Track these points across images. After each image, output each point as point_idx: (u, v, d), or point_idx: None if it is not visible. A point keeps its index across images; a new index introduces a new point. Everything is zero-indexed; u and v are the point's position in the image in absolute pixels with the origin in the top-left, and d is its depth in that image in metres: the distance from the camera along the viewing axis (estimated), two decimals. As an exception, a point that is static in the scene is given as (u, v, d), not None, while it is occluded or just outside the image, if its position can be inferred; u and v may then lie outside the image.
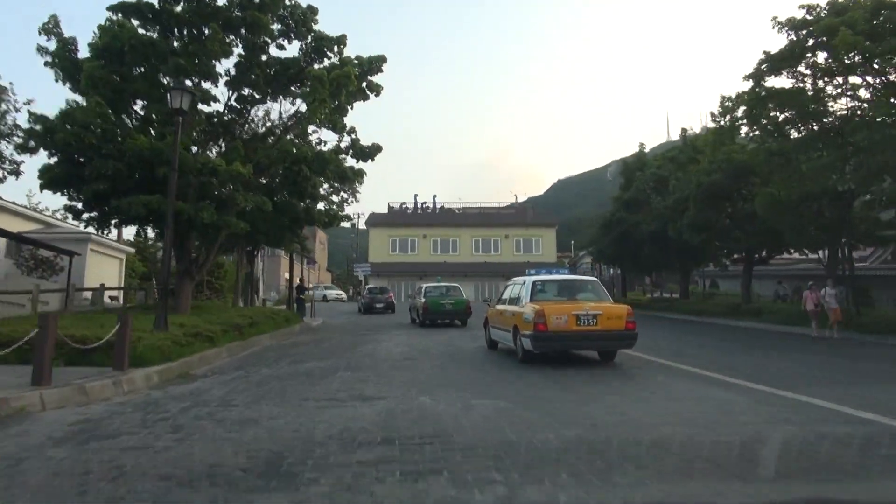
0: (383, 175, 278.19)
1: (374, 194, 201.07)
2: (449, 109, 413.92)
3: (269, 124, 16.13)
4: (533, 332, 9.37)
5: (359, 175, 17.29)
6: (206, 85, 14.84)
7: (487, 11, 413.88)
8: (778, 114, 17.79)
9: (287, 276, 76.72)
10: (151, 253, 34.62)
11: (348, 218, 21.04)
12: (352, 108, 16.19)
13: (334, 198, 20.50)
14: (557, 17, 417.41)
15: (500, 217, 58.76)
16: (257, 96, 15.52)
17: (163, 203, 12.02)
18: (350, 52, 15.88)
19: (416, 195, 59.47)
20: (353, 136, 16.26)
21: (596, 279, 11.99)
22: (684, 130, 27.19)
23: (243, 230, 13.48)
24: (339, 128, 15.25)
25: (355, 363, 10.41)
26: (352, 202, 23.56)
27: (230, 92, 14.84)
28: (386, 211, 60.00)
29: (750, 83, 17.97)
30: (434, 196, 60.17)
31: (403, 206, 59.86)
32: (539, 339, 9.35)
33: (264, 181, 15.78)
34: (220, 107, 15.04)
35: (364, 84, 15.24)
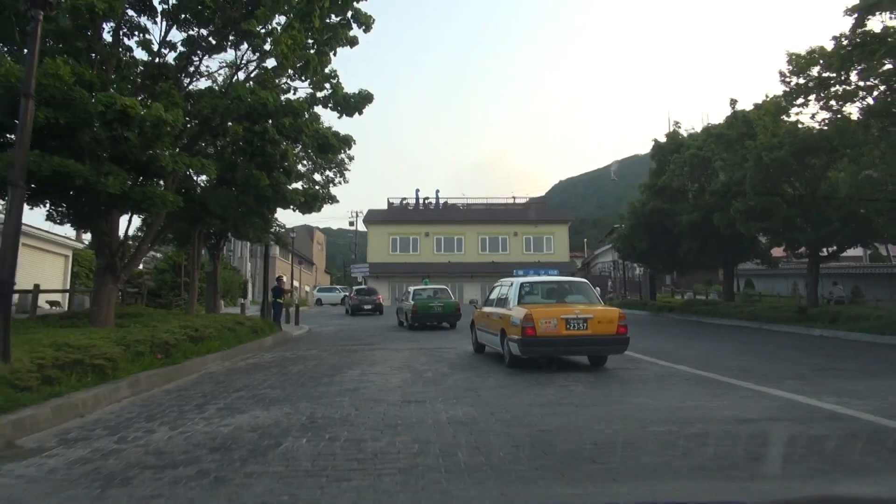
0: (382, 172, 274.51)
1: (372, 190, 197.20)
2: (449, 111, 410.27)
3: (223, 76, 12.15)
4: (521, 336, 9.08)
5: (345, 142, 13.30)
6: (143, 22, 10.99)
7: (487, 11, 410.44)
8: (890, 64, 13.79)
9: (284, 278, 72.94)
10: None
11: (333, 199, 16.68)
12: (334, 55, 12.26)
13: (317, 177, 16.53)
14: (557, 18, 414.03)
15: (508, 213, 54.71)
16: (208, 37, 11.52)
17: (45, 162, 8.05)
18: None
19: (417, 190, 55.64)
20: (335, 80, 12.19)
21: (585, 281, 11.41)
22: (734, 101, 23.07)
23: (172, 206, 9.50)
24: (313, 68, 11.17)
25: (323, 413, 6.38)
26: (339, 181, 19.13)
27: (167, 24, 10.84)
28: (385, 207, 56.00)
29: (849, 22, 13.97)
30: (437, 191, 56.26)
31: (404, 202, 55.88)
32: (527, 343, 9.07)
33: (219, 147, 11.81)
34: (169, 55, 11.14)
35: (350, 14, 11.25)
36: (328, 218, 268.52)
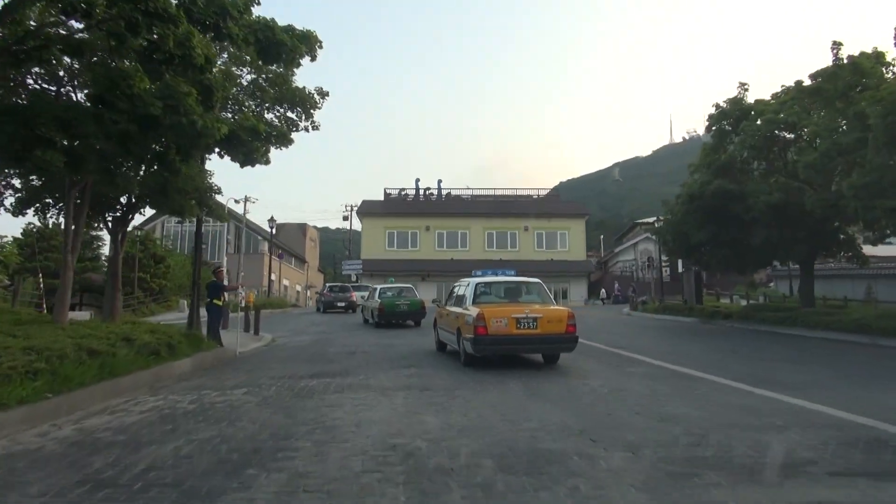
0: (380, 174, 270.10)
1: (371, 193, 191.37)
2: (449, 112, 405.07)
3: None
4: (473, 335, 9.23)
5: (304, 42, 7.94)
6: None
7: (485, 13, 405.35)
8: None
9: (273, 277, 67.52)
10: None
11: (287, 140, 10.82)
12: None
13: (271, 116, 11.10)
14: (556, 19, 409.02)
15: (518, 206, 49.21)
16: None
17: None
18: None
19: (417, 180, 50.12)
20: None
21: (539, 281, 10.99)
22: (837, 45, 17.57)
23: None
24: None
25: None
26: (305, 126, 13.02)
27: None
28: (382, 198, 50.50)
29: None
30: (439, 181, 50.69)
31: (403, 193, 50.40)
32: (479, 342, 9.20)
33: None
34: None
35: None
36: (326, 217, 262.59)
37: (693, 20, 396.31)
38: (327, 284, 37.98)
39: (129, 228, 14.87)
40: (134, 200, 11.08)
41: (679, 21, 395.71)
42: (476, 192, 50.96)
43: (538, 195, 50.80)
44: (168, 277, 29.85)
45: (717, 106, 21.96)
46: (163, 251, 31.59)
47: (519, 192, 51.10)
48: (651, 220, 53.68)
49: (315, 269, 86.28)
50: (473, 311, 9.51)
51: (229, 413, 6.07)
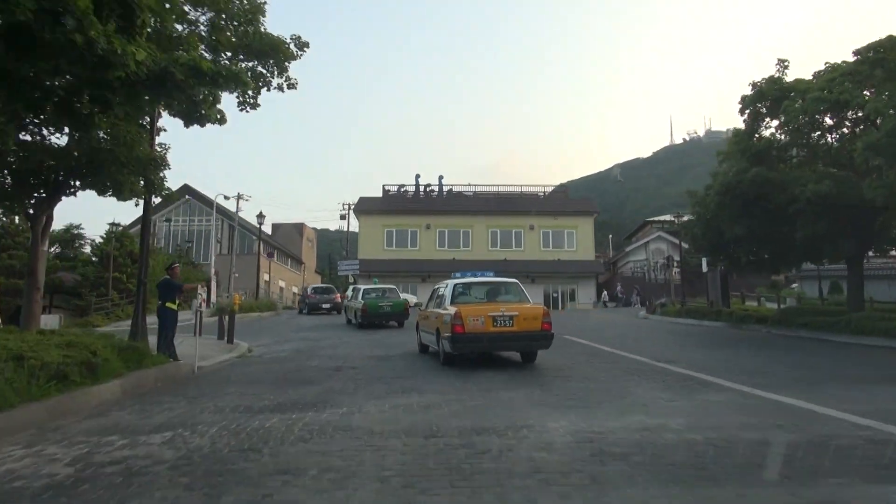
0: (378, 175, 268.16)
1: (369, 185, 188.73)
2: (449, 113, 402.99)
3: None
4: (451, 334, 9.44)
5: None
6: None
7: (486, 14, 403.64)
8: None
9: (267, 278, 65.04)
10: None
11: (244, 84, 8.32)
12: None
13: (236, 67, 8.72)
14: (555, 21, 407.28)
15: (524, 203, 46.85)
16: None
17: None
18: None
19: (417, 176, 47.68)
20: None
21: (516, 281, 11.36)
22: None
23: None
24: None
25: None
26: (279, 83, 10.46)
27: None
28: (380, 195, 48.13)
29: None
30: (440, 177, 48.32)
31: (402, 189, 48.01)
32: (457, 340, 9.44)
33: None
34: None
35: None
36: (324, 218, 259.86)
37: (694, 21, 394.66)
38: (311, 286, 37.26)
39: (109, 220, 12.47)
40: (59, 178, 8.70)
41: (679, 23, 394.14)
42: (479, 189, 48.61)
43: (544, 192, 48.45)
44: (147, 278, 27.47)
45: (754, 85, 19.59)
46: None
47: (524, 189, 48.73)
48: (664, 217, 51.46)
49: (312, 270, 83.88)
50: (451, 310, 9.74)
51: (109, 496, 3.69)
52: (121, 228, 26.46)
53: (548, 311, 9.94)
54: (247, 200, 49.23)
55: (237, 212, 50.71)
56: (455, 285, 10.93)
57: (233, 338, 14.12)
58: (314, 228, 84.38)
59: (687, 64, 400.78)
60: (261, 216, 36.39)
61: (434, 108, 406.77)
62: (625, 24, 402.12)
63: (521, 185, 48.54)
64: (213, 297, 34.74)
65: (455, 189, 48.50)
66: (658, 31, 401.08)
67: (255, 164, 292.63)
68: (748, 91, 19.40)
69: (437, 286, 12.26)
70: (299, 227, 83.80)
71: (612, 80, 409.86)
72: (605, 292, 43.61)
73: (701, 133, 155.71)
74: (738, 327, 21.27)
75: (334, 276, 46.93)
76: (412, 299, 32.49)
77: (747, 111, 20.47)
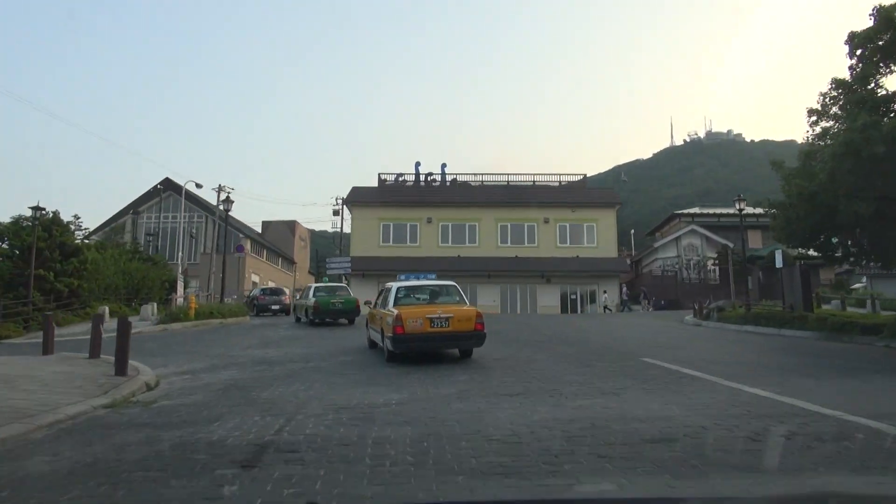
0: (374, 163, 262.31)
1: (367, 179, 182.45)
2: (449, 114, 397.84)
3: None
4: (393, 334, 10.00)
5: None
6: None
7: (485, 15, 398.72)
8: None
9: (256, 278, 59.98)
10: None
11: None
12: None
13: None
14: (555, 22, 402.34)
15: (537, 194, 41.66)
16: None
17: None
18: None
19: (417, 164, 42.51)
20: None
21: (454, 284, 12.19)
22: None
23: None
24: None
25: None
26: None
27: None
28: (376, 185, 42.97)
29: None
30: (443, 165, 43.03)
31: (400, 178, 42.85)
32: (398, 340, 10.00)
33: None
34: None
35: None
36: (319, 217, 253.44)
37: (695, 22, 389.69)
38: (260, 288, 36.51)
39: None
40: None
41: (681, 25, 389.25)
42: (487, 179, 43.41)
43: (560, 182, 43.23)
44: (85, 277, 22.32)
45: (878, 8, 14.41)
46: (77, 241, 23.87)
47: (537, 179, 43.49)
48: (692, 210, 46.41)
49: (306, 270, 78.73)
50: (394, 312, 10.39)
51: None
52: (49, 215, 21.24)
53: (481, 312, 10.73)
54: (228, 193, 43.93)
55: (218, 205, 45.66)
56: (398, 288, 11.60)
57: (126, 363, 8.87)
58: (313, 230, 79.10)
59: (688, 65, 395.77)
60: (226, 200, 30.91)
61: (433, 107, 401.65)
62: (625, 26, 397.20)
63: (533, 174, 43.31)
64: (180, 300, 29.37)
65: (460, 179, 43.30)
66: (658, 33, 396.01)
67: (252, 160, 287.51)
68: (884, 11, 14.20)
69: (386, 285, 12.74)
70: (291, 225, 78.69)
71: (612, 82, 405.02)
72: (605, 295, 38.31)
73: (701, 134, 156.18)
74: (838, 339, 16.12)
75: (323, 275, 41.63)
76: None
77: (858, 52, 15.32)
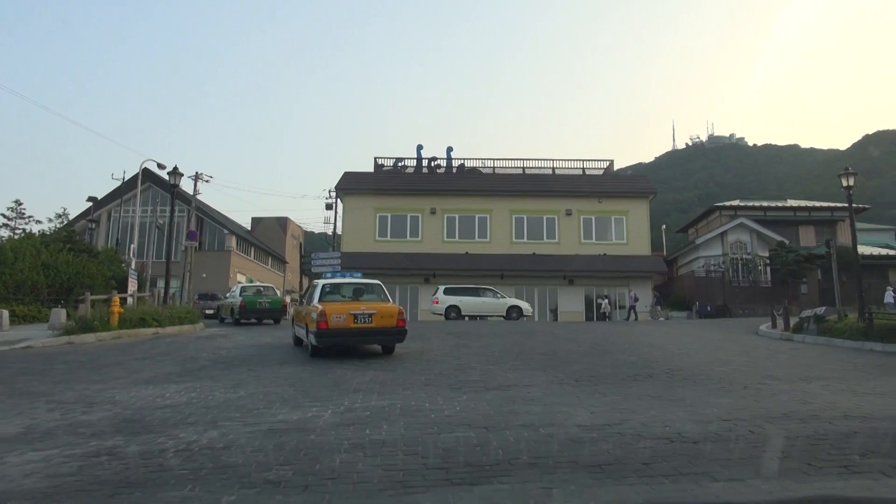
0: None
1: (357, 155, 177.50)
2: (449, 114, 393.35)
3: None
4: (317, 329, 10.23)
5: None
6: None
7: (484, 16, 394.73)
8: None
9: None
10: None
11: None
12: None
13: None
14: (554, 25, 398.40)
15: (559, 182, 36.25)
16: None
17: None
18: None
19: (419, 147, 37.11)
20: None
21: (378, 282, 12.45)
22: None
23: None
24: None
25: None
26: None
27: None
28: (371, 170, 37.53)
29: None
30: (449, 149, 37.57)
31: (400, 163, 37.42)
32: (321, 335, 10.25)
33: None
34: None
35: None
36: (320, 220, 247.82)
37: (696, 24, 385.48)
38: (198, 294, 35.22)
39: None
40: None
41: (683, 30, 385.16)
42: (499, 165, 37.92)
43: (584, 170, 37.79)
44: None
45: None
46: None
47: (557, 166, 38.03)
48: (734, 203, 41.15)
49: (298, 270, 73.50)
50: (319, 307, 10.54)
51: None
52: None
53: (402, 309, 10.99)
54: (207, 181, 38.50)
55: (194, 194, 40.22)
56: (324, 285, 11.90)
57: None
58: (312, 232, 73.56)
59: (689, 67, 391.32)
60: (196, 179, 25.62)
61: (433, 107, 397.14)
62: (626, 28, 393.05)
63: (553, 161, 37.85)
64: (131, 301, 23.66)
65: (468, 164, 37.85)
66: (660, 37, 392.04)
67: (247, 156, 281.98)
68: None
69: (313, 282, 13.48)
70: (283, 222, 73.30)
71: (614, 86, 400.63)
72: (606, 300, 32.73)
73: (704, 138, 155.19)
74: None
75: (307, 271, 36.10)
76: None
77: None
